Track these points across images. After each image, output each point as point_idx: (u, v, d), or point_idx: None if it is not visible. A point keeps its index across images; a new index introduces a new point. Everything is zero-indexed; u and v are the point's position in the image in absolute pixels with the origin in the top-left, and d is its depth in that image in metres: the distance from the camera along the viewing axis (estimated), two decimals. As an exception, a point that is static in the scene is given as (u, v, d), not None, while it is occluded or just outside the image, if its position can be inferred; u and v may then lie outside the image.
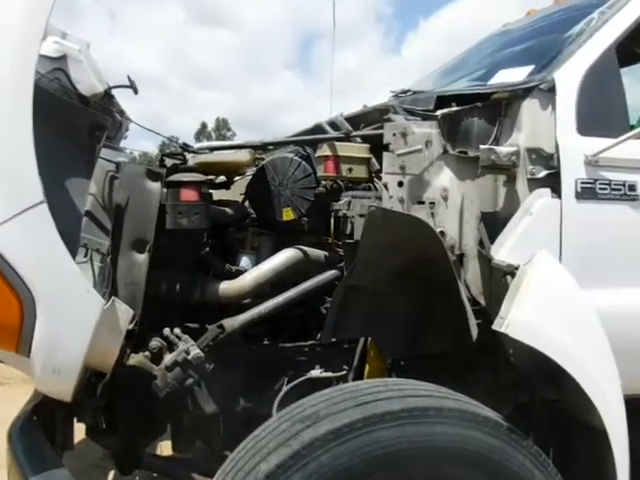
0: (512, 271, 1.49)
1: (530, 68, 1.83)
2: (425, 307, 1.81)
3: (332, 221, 1.81)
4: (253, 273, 1.95)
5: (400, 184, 1.69)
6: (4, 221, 1.13)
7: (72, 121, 1.57)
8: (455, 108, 1.73)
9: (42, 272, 1.19)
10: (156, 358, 1.83)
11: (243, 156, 1.96)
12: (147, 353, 1.82)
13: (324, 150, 1.90)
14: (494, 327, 1.39)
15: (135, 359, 1.80)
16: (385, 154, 1.70)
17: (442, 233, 1.73)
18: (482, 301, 1.76)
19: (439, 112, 1.74)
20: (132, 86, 2.57)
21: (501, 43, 2.47)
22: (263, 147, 1.97)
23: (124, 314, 1.37)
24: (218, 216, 2.03)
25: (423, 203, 1.72)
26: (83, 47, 2.63)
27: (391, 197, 1.69)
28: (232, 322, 1.88)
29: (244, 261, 2.10)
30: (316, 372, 2.04)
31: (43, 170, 1.49)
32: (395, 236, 1.56)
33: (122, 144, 2.56)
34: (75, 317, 1.24)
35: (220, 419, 2.02)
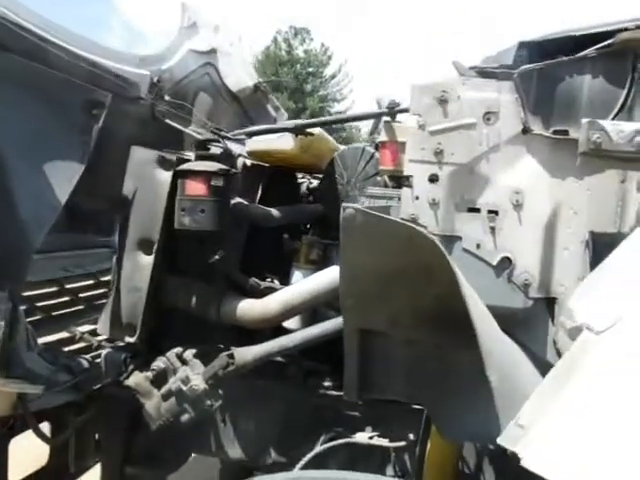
0: (575, 339, 0.80)
1: None
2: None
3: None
4: (282, 295, 1.52)
5: (433, 179, 1.09)
6: None
7: (65, 97, 1.38)
8: (546, 62, 1.06)
9: None
10: (160, 381, 1.55)
11: (286, 143, 1.56)
12: (149, 374, 1.55)
13: (382, 134, 1.39)
14: (499, 440, 0.74)
15: (134, 379, 1.54)
16: (411, 132, 1.11)
17: (508, 260, 1.08)
18: None
19: (520, 69, 1.08)
20: (283, 80, 2.40)
21: None
22: (302, 131, 1.53)
23: None
24: (259, 219, 1.65)
25: (477, 211, 1.09)
26: (235, 40, 2.54)
27: (417, 198, 1.09)
28: (245, 353, 1.48)
29: (296, 277, 1.69)
30: (363, 435, 1.52)
31: (23, 149, 1.33)
32: (398, 256, 0.99)
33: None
34: None
35: None
